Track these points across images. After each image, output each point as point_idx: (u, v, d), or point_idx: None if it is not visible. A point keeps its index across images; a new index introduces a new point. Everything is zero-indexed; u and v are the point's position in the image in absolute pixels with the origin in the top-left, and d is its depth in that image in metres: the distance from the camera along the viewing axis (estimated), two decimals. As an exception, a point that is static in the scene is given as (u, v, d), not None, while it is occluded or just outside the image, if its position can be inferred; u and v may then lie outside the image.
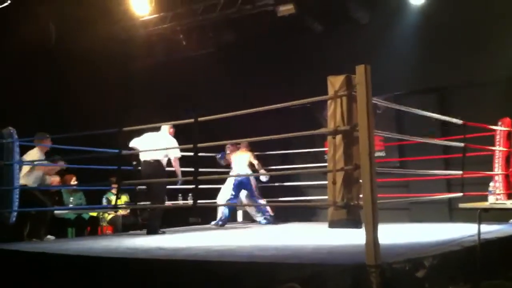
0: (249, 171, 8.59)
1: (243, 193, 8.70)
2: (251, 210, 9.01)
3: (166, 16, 9.95)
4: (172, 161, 7.36)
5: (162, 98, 10.47)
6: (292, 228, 8.04)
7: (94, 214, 8.86)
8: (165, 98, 10.45)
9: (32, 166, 7.06)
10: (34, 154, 7.11)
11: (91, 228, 8.71)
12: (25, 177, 6.98)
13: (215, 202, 8.61)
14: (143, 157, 7.34)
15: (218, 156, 9.00)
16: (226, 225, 8.58)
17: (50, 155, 7.58)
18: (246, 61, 10.17)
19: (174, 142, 7.34)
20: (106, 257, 4.88)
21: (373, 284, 3.43)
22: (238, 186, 8.59)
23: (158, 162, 7.30)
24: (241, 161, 8.68)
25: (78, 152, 7.39)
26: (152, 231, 7.22)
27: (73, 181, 8.43)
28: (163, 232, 7.27)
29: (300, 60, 9.73)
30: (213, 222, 8.65)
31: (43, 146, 7.20)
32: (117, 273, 4.57)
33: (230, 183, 8.61)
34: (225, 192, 8.64)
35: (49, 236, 7.20)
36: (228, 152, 8.93)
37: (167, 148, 7.21)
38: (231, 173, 8.61)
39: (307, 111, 9.25)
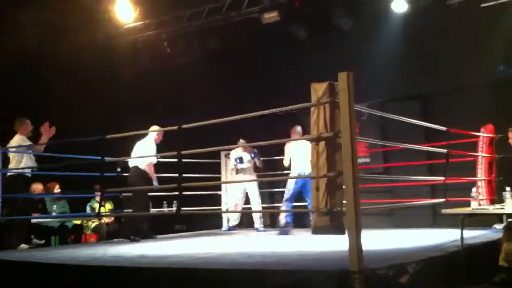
0: None
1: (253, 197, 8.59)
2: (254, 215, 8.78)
3: (150, 23, 9.94)
4: (146, 166, 7.37)
5: (148, 106, 10.43)
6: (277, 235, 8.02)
7: (78, 222, 8.78)
8: (151, 105, 10.41)
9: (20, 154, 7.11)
10: (16, 141, 7.14)
11: (75, 236, 8.62)
12: (17, 165, 7.08)
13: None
14: (129, 164, 7.51)
15: (252, 156, 8.65)
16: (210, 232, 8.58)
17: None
18: (232, 68, 10.17)
19: (150, 149, 7.34)
20: (90, 265, 4.84)
21: (356, 290, 3.44)
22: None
23: (135, 168, 7.41)
24: None
25: (61, 159, 7.35)
26: (127, 235, 7.32)
27: (57, 189, 8.37)
28: (138, 240, 7.18)
29: (285, 67, 9.76)
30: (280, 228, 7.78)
31: (23, 130, 7.24)
32: (102, 281, 4.54)
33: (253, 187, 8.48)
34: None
35: (22, 245, 7.09)
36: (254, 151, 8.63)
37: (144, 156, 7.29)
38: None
39: (293, 117, 9.27)
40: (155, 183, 7.43)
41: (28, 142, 7.25)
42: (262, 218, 8.68)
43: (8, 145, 7.13)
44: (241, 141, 8.43)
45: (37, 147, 7.19)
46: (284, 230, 7.54)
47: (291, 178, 7.83)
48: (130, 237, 7.27)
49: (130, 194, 7.77)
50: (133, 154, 7.47)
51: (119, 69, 10.77)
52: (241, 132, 8.51)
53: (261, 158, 8.77)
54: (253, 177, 8.70)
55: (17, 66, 9.00)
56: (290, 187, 7.62)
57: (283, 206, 7.71)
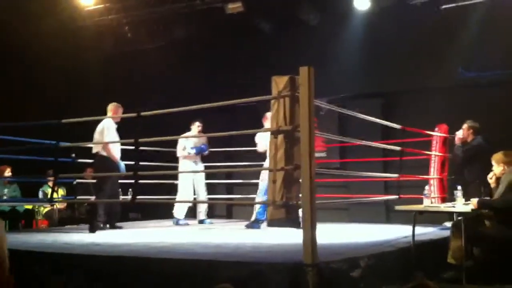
0: None
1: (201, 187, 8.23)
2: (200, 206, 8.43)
3: (112, 7, 9.74)
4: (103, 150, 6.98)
5: (109, 91, 10.19)
6: (233, 226, 8.03)
7: (30, 207, 8.58)
8: (113, 91, 10.18)
9: None
10: None
11: (26, 221, 8.42)
12: None
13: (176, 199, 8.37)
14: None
15: (203, 148, 8.21)
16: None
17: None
18: (195, 57, 10.08)
19: (105, 132, 6.98)
20: (42, 252, 4.75)
21: (309, 283, 3.48)
22: None
23: (96, 154, 7.04)
24: None
25: (15, 143, 7.13)
26: (91, 228, 6.87)
27: (7, 173, 8.15)
28: (104, 228, 7.01)
29: (248, 58, 9.73)
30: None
31: None
32: (53, 268, 4.46)
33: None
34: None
35: None
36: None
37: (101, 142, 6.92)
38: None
39: (253, 110, 9.26)
40: (121, 165, 7.00)
41: None
42: (207, 210, 8.45)
43: None
44: (197, 124, 8.25)
45: None
46: (253, 225, 7.20)
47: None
48: (100, 225, 6.95)
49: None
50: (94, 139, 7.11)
51: (84, 53, 10.50)
52: (202, 122, 8.43)
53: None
54: (201, 166, 8.52)
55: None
56: (263, 177, 6.97)
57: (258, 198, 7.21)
